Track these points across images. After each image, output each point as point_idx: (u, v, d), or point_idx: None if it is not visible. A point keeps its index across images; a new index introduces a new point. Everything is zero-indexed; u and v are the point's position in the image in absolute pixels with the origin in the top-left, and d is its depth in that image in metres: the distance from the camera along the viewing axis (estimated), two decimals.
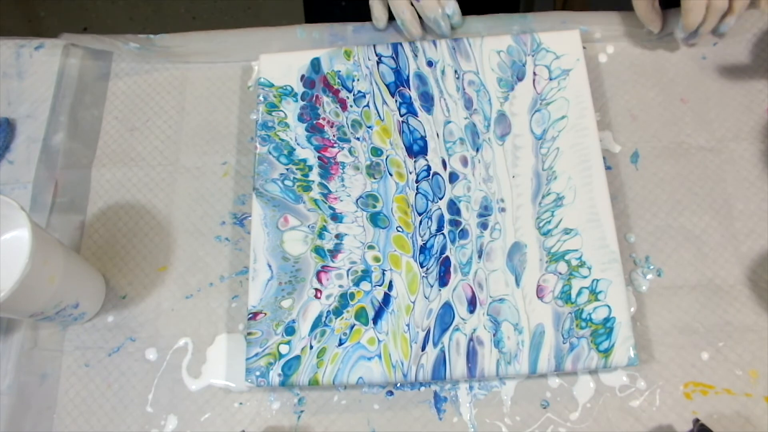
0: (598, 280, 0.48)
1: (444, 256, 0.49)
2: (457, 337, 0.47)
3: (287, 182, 0.52)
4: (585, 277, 0.48)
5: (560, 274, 0.48)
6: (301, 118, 0.54)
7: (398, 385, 0.48)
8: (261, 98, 0.55)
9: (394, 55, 0.56)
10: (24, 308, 0.44)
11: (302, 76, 0.56)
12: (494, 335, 0.47)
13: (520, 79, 0.54)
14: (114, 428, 0.48)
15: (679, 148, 0.54)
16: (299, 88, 0.55)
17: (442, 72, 0.55)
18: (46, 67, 0.60)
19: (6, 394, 0.49)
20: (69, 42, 0.60)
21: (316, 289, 0.49)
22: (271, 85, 0.56)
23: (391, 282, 0.49)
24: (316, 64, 0.56)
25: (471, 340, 0.47)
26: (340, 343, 0.47)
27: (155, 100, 0.59)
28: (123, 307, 0.52)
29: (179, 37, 0.61)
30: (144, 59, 0.60)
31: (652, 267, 0.50)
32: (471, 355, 0.46)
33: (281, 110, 0.55)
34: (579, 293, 0.47)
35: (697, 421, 0.44)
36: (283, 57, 0.57)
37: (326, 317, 0.48)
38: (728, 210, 0.52)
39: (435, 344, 0.47)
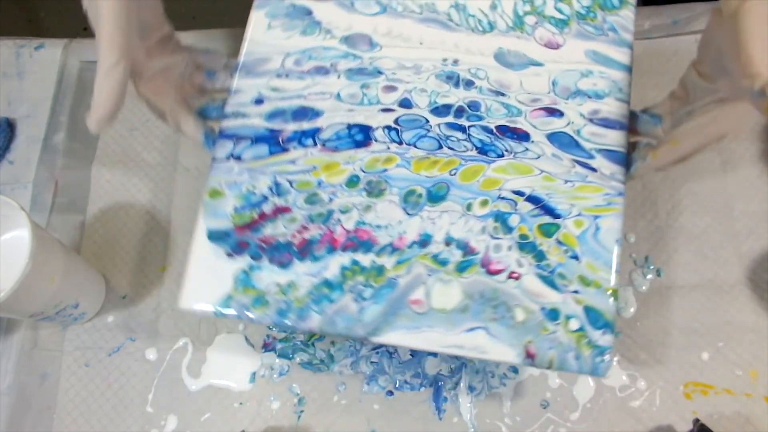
0: None
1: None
2: None
3: None
4: None
5: None
6: None
7: (398, 385, 0.48)
8: None
9: None
10: (24, 308, 0.44)
11: None
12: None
13: None
14: (114, 428, 0.48)
15: None
16: None
17: None
18: (46, 67, 0.60)
19: (6, 394, 0.49)
20: (69, 42, 0.60)
21: None
22: None
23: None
24: None
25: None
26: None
27: None
28: (123, 307, 0.52)
29: (179, 35, 0.60)
30: None
31: (652, 267, 0.50)
32: None
33: None
34: None
35: (697, 421, 0.44)
36: None
37: None
38: (728, 210, 0.52)
39: None
